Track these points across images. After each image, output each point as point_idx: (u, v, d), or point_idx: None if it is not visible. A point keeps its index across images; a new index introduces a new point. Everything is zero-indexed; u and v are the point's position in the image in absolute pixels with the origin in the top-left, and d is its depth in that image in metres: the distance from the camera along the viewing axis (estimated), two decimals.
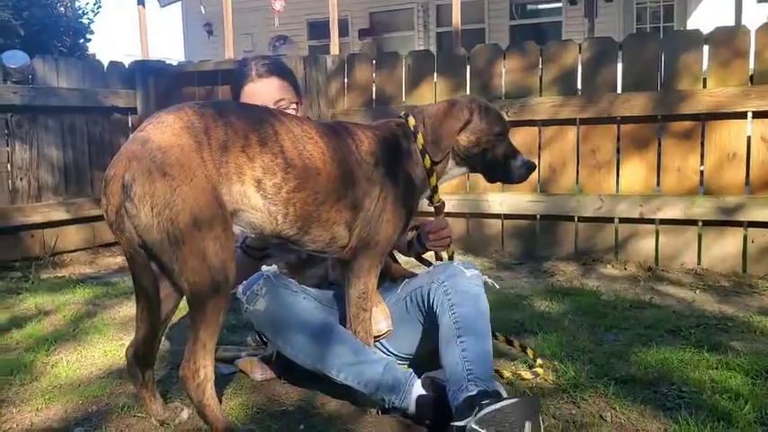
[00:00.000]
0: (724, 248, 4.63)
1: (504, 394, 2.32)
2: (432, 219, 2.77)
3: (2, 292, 4.58)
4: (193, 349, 2.10)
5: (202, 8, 15.15)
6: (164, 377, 2.90)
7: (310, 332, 2.54)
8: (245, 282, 2.62)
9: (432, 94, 5.54)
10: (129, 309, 4.08)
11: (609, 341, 3.28)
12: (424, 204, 2.68)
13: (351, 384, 2.48)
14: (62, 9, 10.75)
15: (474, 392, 2.18)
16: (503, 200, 5.26)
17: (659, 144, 4.86)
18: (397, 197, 2.45)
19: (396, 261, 2.98)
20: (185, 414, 2.44)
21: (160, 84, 6.51)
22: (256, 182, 2.16)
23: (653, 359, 2.94)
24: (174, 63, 8.02)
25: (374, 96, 5.82)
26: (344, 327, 2.56)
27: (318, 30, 16.53)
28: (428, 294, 2.55)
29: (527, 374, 2.76)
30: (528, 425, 2.05)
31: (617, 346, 3.18)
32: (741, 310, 3.75)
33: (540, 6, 16.27)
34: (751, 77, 4.54)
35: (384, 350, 2.74)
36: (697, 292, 4.18)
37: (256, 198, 2.18)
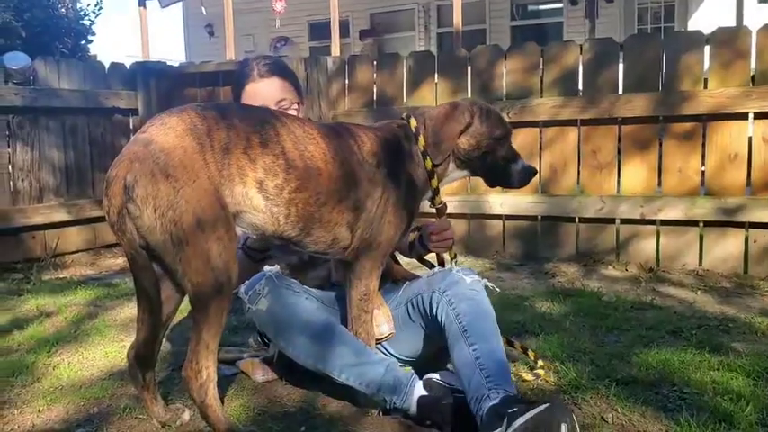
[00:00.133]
0: (725, 249, 4.63)
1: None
2: (434, 220, 2.76)
3: (3, 294, 4.58)
4: (196, 350, 2.11)
5: (203, 9, 15.14)
6: (165, 378, 2.90)
7: (312, 332, 2.54)
8: (247, 282, 2.62)
9: (432, 95, 5.54)
10: (130, 310, 4.08)
11: (610, 342, 3.28)
12: (425, 206, 2.68)
13: (352, 385, 2.48)
14: (63, 10, 10.76)
15: (497, 400, 2.16)
16: (504, 201, 5.26)
17: (660, 145, 4.85)
18: (398, 198, 2.45)
19: (397, 262, 2.98)
20: (187, 415, 2.44)
21: (161, 85, 6.52)
22: (258, 183, 2.16)
23: (654, 360, 2.94)
24: (176, 64, 8.03)
25: (375, 97, 5.83)
26: (346, 328, 2.56)
27: (319, 31, 16.54)
28: (430, 303, 2.55)
29: (528, 376, 2.76)
30: (564, 427, 2.02)
31: (618, 348, 3.17)
32: (742, 311, 3.75)
33: (541, 7, 16.26)
34: (752, 78, 4.53)
35: (386, 352, 2.74)
36: (698, 293, 4.18)
37: (258, 199, 2.18)
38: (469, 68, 5.46)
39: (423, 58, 5.71)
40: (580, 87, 5.12)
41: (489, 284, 2.66)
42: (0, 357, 3.26)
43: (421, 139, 2.52)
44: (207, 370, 2.12)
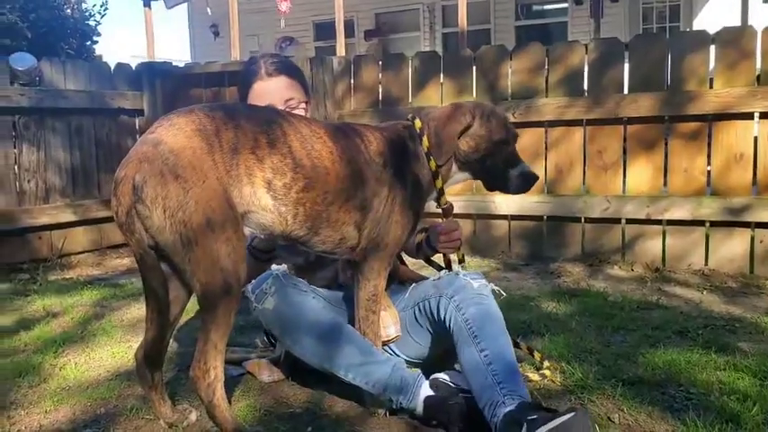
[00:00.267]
0: (731, 249, 4.62)
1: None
2: (440, 220, 2.76)
3: (10, 294, 4.59)
4: (204, 349, 2.11)
5: (209, 9, 15.16)
6: (172, 379, 2.90)
7: (318, 332, 2.54)
8: (254, 281, 2.62)
9: (438, 95, 5.54)
10: (136, 310, 4.09)
11: (616, 342, 3.27)
12: (432, 206, 2.68)
13: (359, 384, 2.48)
14: (69, 11, 10.77)
15: (513, 407, 2.16)
16: (509, 201, 5.25)
17: (666, 145, 4.85)
18: (405, 198, 2.45)
19: (403, 263, 2.98)
20: (194, 416, 2.45)
21: (167, 85, 6.53)
22: (266, 183, 2.17)
23: (660, 360, 2.94)
24: (181, 64, 8.04)
25: (380, 97, 5.83)
26: (353, 328, 2.57)
27: (324, 31, 16.56)
28: (438, 308, 2.55)
29: (535, 376, 2.76)
30: None
31: (624, 348, 3.17)
32: (749, 311, 3.74)
33: (546, 7, 16.25)
34: (758, 78, 4.52)
35: (393, 354, 2.74)
36: (704, 292, 4.17)
37: (266, 199, 2.19)
38: (475, 69, 5.45)
39: (428, 59, 5.71)
40: (585, 87, 5.11)
41: (496, 288, 2.66)
42: (7, 358, 3.27)
43: (425, 139, 2.52)
44: (215, 370, 2.12)
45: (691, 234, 4.75)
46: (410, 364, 2.74)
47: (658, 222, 4.84)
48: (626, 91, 4.95)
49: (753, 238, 4.56)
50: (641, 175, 4.91)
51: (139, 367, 2.34)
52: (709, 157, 4.69)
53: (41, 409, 2.66)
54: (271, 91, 2.83)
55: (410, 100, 5.68)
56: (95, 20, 11.20)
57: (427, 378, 2.49)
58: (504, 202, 5.27)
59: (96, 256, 5.94)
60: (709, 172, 4.72)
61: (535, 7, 16.23)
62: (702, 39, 4.69)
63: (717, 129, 4.63)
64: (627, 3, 14.41)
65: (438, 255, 2.85)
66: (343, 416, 2.53)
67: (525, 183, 2.57)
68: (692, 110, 4.64)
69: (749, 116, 4.54)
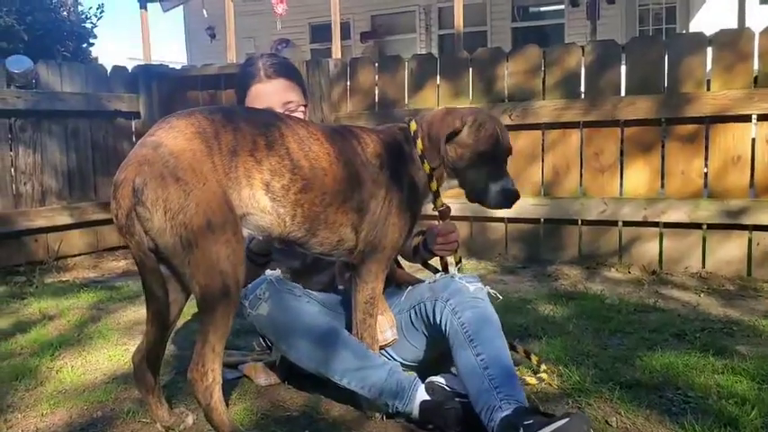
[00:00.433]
0: (729, 252, 4.62)
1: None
2: (437, 223, 2.75)
3: (6, 297, 4.58)
4: (202, 352, 2.10)
5: (205, 12, 15.15)
6: (168, 382, 2.89)
7: (314, 337, 2.53)
8: (248, 286, 2.62)
9: (435, 97, 5.54)
10: (133, 313, 4.08)
11: (613, 345, 3.27)
12: (430, 209, 2.66)
13: (354, 389, 2.48)
14: (65, 14, 10.75)
15: (510, 411, 2.15)
16: None
17: (663, 147, 4.85)
18: (401, 200, 2.45)
19: (400, 266, 2.97)
20: (190, 420, 2.44)
21: (163, 88, 6.53)
22: (265, 185, 2.17)
23: (658, 363, 2.94)
24: (177, 67, 8.03)
25: (377, 100, 5.83)
26: (349, 332, 2.56)
27: (320, 33, 16.55)
28: (433, 311, 2.54)
29: (532, 380, 2.75)
30: None
31: (622, 351, 3.17)
32: (746, 314, 3.74)
33: (543, 9, 16.24)
34: (755, 80, 4.53)
35: (389, 357, 2.74)
36: (702, 295, 4.17)
37: (265, 201, 2.19)
38: (471, 71, 5.45)
39: (424, 61, 5.71)
40: (582, 89, 5.12)
41: (492, 291, 2.65)
42: (3, 361, 3.26)
43: (419, 142, 2.51)
44: (213, 372, 2.11)
45: (688, 236, 4.75)
46: (406, 367, 2.73)
47: (655, 225, 4.84)
48: (623, 93, 4.95)
49: (750, 241, 4.56)
50: (638, 177, 4.91)
51: (137, 371, 2.33)
52: (706, 159, 4.70)
53: (38, 412, 2.65)
54: (270, 93, 2.80)
55: (406, 102, 5.68)
56: (92, 22, 11.17)
57: (423, 381, 2.48)
58: None
59: (93, 259, 5.94)
60: (706, 174, 4.72)
61: (531, 9, 16.24)
62: (699, 41, 4.70)
63: (714, 131, 4.63)
64: (623, 4, 14.43)
65: (436, 258, 2.84)
66: (339, 419, 2.52)
67: (504, 200, 2.49)
68: (690, 112, 4.64)
69: (746, 118, 4.54)
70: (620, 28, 14.16)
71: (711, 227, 4.67)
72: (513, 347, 2.80)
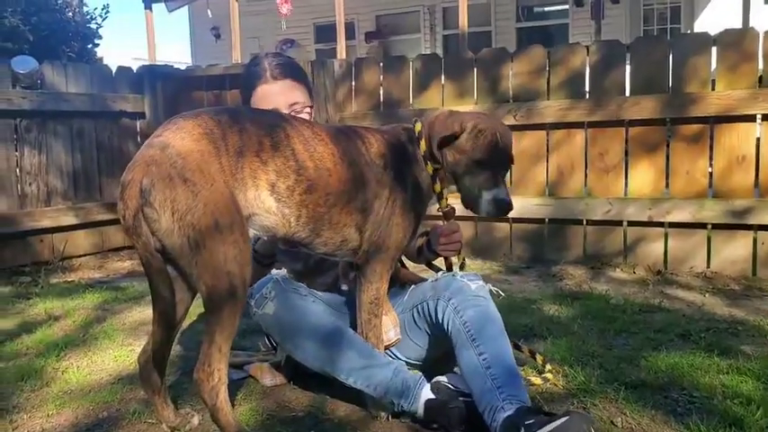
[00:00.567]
0: (734, 252, 4.61)
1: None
2: (441, 223, 2.74)
3: (12, 297, 4.59)
4: (208, 352, 2.11)
5: (209, 12, 15.17)
6: (174, 383, 2.90)
7: (319, 336, 2.54)
8: (254, 285, 2.62)
9: (439, 97, 5.54)
10: (138, 314, 4.09)
11: (618, 345, 3.27)
12: (435, 209, 2.66)
13: (360, 388, 2.48)
14: (70, 14, 10.76)
15: (512, 411, 2.15)
16: None
17: (668, 147, 4.85)
18: (405, 201, 2.45)
19: (404, 266, 2.97)
20: (196, 420, 2.44)
21: (168, 88, 6.54)
22: (270, 185, 2.18)
23: (663, 364, 2.93)
24: (182, 67, 8.04)
25: (382, 100, 5.83)
26: (354, 331, 2.56)
27: (325, 33, 16.55)
28: (436, 311, 2.54)
29: (537, 380, 2.75)
30: None
31: (627, 351, 3.17)
32: (751, 314, 3.74)
33: (547, 9, 16.22)
34: (759, 79, 4.52)
35: (393, 356, 2.74)
36: (707, 295, 4.17)
37: (270, 201, 2.19)
38: (476, 71, 5.45)
39: (429, 61, 5.71)
40: (587, 90, 5.11)
41: (494, 289, 2.65)
42: (9, 362, 3.27)
43: (422, 142, 2.50)
44: (219, 372, 2.12)
45: (693, 236, 4.74)
46: (410, 366, 2.74)
47: (660, 225, 4.84)
48: (628, 93, 4.95)
49: (755, 241, 4.56)
50: (643, 177, 4.90)
51: (143, 371, 2.33)
52: (711, 159, 4.69)
53: (44, 412, 2.66)
54: (276, 94, 2.80)
55: (411, 102, 5.68)
56: (97, 23, 11.19)
57: (429, 380, 2.49)
58: None
59: (98, 259, 5.95)
60: (711, 174, 4.71)
61: (536, 9, 16.21)
62: (704, 41, 4.69)
63: (719, 131, 4.63)
64: (628, 4, 14.40)
65: (440, 258, 2.84)
66: (345, 420, 2.53)
67: (495, 209, 2.42)
68: (694, 112, 4.64)
69: (751, 118, 4.54)
70: (624, 28, 14.14)
71: (716, 227, 4.66)
72: (517, 347, 2.80)
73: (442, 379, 2.52)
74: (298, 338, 2.57)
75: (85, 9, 11.67)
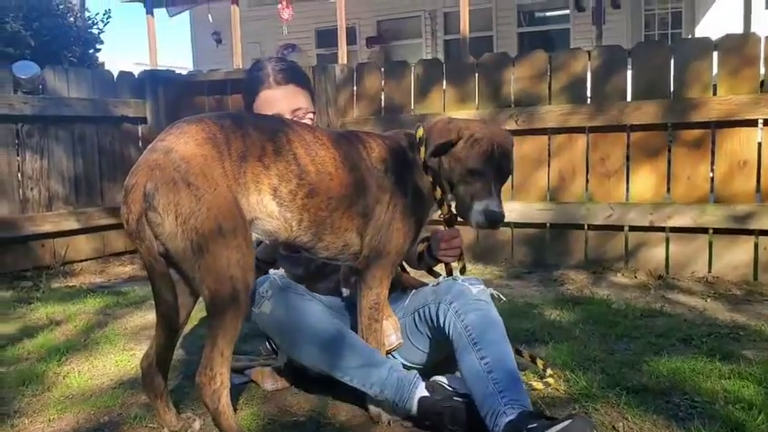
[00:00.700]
0: (735, 256, 4.61)
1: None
2: (442, 228, 2.74)
3: (13, 302, 4.59)
4: (211, 356, 2.11)
5: (210, 17, 15.20)
6: (175, 387, 2.89)
7: (316, 335, 2.55)
8: None
9: (441, 102, 5.55)
10: (139, 318, 4.09)
11: (620, 350, 3.27)
12: (437, 215, 2.66)
13: (357, 386, 2.49)
14: (72, 19, 10.76)
15: (514, 416, 2.15)
16: (512, 208, 5.23)
17: (669, 152, 4.85)
18: (406, 206, 2.45)
19: (405, 271, 2.97)
20: (197, 425, 2.44)
21: (170, 93, 6.54)
22: (273, 190, 2.19)
23: (665, 368, 2.93)
24: (184, 72, 8.05)
25: (383, 105, 5.83)
26: (351, 331, 2.57)
27: (326, 38, 16.58)
28: (437, 314, 2.54)
29: (539, 385, 2.75)
30: None
31: (628, 356, 3.16)
32: (753, 319, 3.74)
33: (548, 14, 16.24)
34: (761, 84, 4.52)
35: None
36: (708, 300, 4.17)
37: (272, 206, 2.20)
38: (477, 76, 5.45)
39: (431, 66, 5.72)
40: (588, 95, 5.12)
41: (495, 293, 2.65)
42: (11, 366, 3.27)
43: (422, 149, 2.49)
44: (221, 376, 2.12)
45: (694, 241, 4.74)
46: (412, 368, 2.73)
47: (662, 230, 4.84)
48: (629, 98, 4.95)
49: (756, 246, 4.56)
50: (644, 182, 4.90)
51: (145, 376, 2.34)
52: (712, 164, 4.69)
53: (45, 417, 2.66)
54: (279, 100, 2.79)
55: (413, 107, 5.68)
56: (98, 28, 11.19)
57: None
58: (507, 209, 5.21)
59: (99, 264, 5.95)
60: (712, 179, 4.71)
61: (537, 14, 16.24)
62: (705, 46, 4.70)
63: (720, 136, 4.63)
64: (629, 9, 14.43)
65: (440, 264, 2.84)
66: (346, 424, 2.53)
67: (485, 220, 2.38)
68: (696, 117, 4.64)
69: (753, 123, 4.54)
70: (625, 33, 14.15)
71: (718, 231, 4.66)
72: (518, 352, 2.79)
73: (440, 378, 2.53)
74: (295, 337, 2.58)
75: (87, 14, 11.65)
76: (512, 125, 5.13)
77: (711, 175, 4.72)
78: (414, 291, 2.78)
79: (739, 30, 10.83)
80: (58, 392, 2.92)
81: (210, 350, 2.11)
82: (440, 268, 2.85)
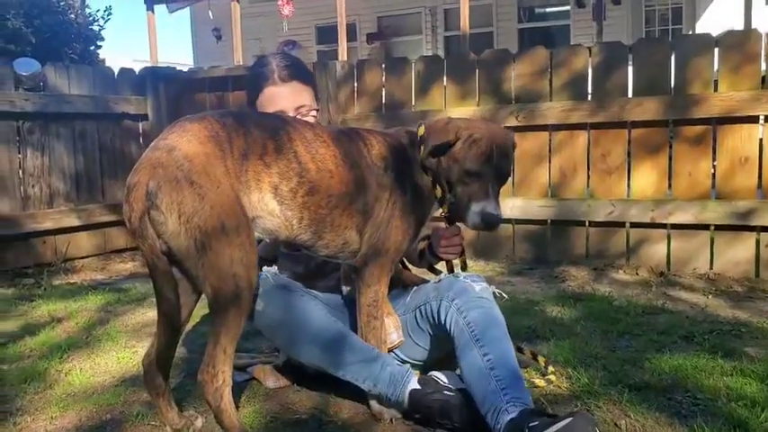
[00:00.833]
0: (736, 253, 4.61)
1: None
2: (443, 225, 2.74)
3: (15, 299, 4.60)
4: (213, 353, 2.11)
5: (210, 13, 15.19)
6: (177, 385, 2.89)
7: (309, 331, 2.56)
8: None
9: (442, 99, 5.54)
10: (140, 315, 4.09)
11: (622, 347, 3.27)
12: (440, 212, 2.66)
13: (351, 381, 2.50)
14: (73, 16, 10.75)
15: (515, 414, 2.15)
16: (514, 204, 5.24)
17: (670, 148, 4.85)
18: (405, 203, 2.45)
19: (406, 268, 2.97)
20: (200, 422, 2.44)
21: (170, 90, 6.54)
22: (273, 188, 2.19)
23: (667, 366, 2.93)
24: (184, 69, 8.04)
25: (384, 102, 5.83)
26: (355, 334, 2.57)
27: (327, 34, 16.57)
28: (438, 312, 2.54)
29: (541, 382, 2.74)
30: None
31: (630, 353, 3.16)
32: (755, 316, 3.74)
33: (548, 10, 16.22)
34: (762, 80, 4.52)
35: (396, 358, 2.74)
36: (710, 297, 4.17)
37: (273, 204, 2.21)
38: (478, 72, 5.45)
39: (431, 62, 5.71)
40: (589, 91, 5.11)
41: (497, 291, 2.65)
42: (12, 364, 3.27)
43: (422, 148, 2.47)
44: (223, 374, 2.12)
45: (695, 238, 4.74)
46: (413, 366, 2.74)
47: (663, 226, 4.84)
48: (630, 94, 4.94)
49: (758, 242, 4.56)
50: (646, 178, 4.90)
51: (147, 374, 2.33)
52: (713, 160, 4.69)
53: (47, 415, 2.66)
54: (283, 96, 2.77)
55: (413, 104, 5.68)
56: (99, 25, 11.17)
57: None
58: (508, 206, 5.25)
59: (100, 261, 5.95)
60: (713, 175, 4.71)
61: (537, 10, 16.22)
62: (706, 42, 4.70)
63: (721, 132, 4.63)
64: (629, 5, 14.41)
65: (441, 263, 2.83)
66: (348, 422, 2.52)
67: (481, 222, 2.37)
68: (697, 113, 4.64)
69: (754, 119, 4.54)
70: (626, 29, 14.14)
71: (719, 228, 4.66)
72: (519, 350, 2.79)
73: (436, 374, 2.54)
74: (288, 334, 2.60)
75: (88, 11, 11.64)
76: (512, 122, 5.13)
77: (713, 171, 4.71)
78: (415, 288, 2.77)
79: (740, 25, 10.83)
80: (60, 390, 2.92)
81: (213, 348, 2.11)
82: (441, 266, 2.85)
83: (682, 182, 4.78)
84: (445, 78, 5.58)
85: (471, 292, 2.51)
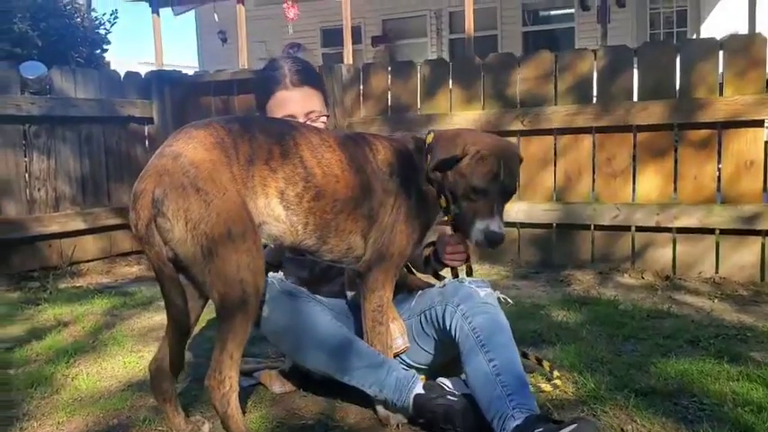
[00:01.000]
0: (742, 257, 4.60)
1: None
2: (449, 231, 2.73)
3: (21, 303, 4.60)
4: (220, 359, 2.12)
5: (216, 16, 15.21)
6: (184, 390, 2.89)
7: (315, 337, 2.56)
8: None
9: (447, 103, 5.55)
10: (147, 320, 4.10)
11: (627, 352, 3.26)
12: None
13: (357, 386, 2.51)
14: (79, 19, 10.75)
15: (521, 421, 2.14)
16: (519, 208, 5.24)
17: (676, 152, 4.84)
18: (410, 209, 2.45)
19: (411, 272, 2.97)
20: (206, 428, 2.44)
21: (176, 93, 6.54)
22: (280, 193, 2.20)
23: (673, 370, 2.93)
24: (190, 72, 8.05)
25: (390, 105, 5.83)
26: (361, 339, 2.57)
27: (332, 37, 16.57)
28: (443, 317, 2.54)
29: (547, 387, 2.74)
30: None
31: (636, 357, 3.16)
32: (760, 320, 3.73)
33: (553, 13, 16.22)
34: (767, 84, 4.51)
35: (401, 362, 2.74)
36: (715, 301, 4.16)
37: (279, 209, 2.21)
38: (483, 76, 5.45)
39: (437, 66, 5.71)
40: (594, 94, 5.11)
41: (502, 297, 2.64)
42: (19, 368, 3.28)
43: (429, 157, 2.47)
44: (230, 380, 2.13)
45: (701, 242, 4.74)
46: (418, 370, 2.74)
47: (668, 230, 4.83)
48: (635, 98, 4.94)
49: (764, 246, 4.55)
50: (651, 182, 4.90)
51: (154, 379, 2.34)
52: (719, 164, 4.69)
53: (54, 420, 2.67)
54: (295, 101, 2.76)
55: (419, 107, 5.68)
56: (105, 28, 11.18)
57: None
58: (514, 209, 5.24)
59: (106, 264, 5.96)
60: (719, 179, 4.71)
61: (542, 13, 16.22)
62: (711, 46, 4.69)
63: (727, 136, 4.63)
64: (634, 8, 14.40)
65: (446, 269, 2.83)
66: (355, 427, 2.53)
67: (485, 240, 2.37)
68: (702, 117, 4.63)
69: (759, 123, 4.54)
70: (630, 32, 14.13)
71: (724, 232, 4.65)
72: (524, 355, 2.79)
73: (442, 380, 2.54)
74: (293, 339, 2.59)
75: (94, 14, 11.64)
76: (518, 125, 5.14)
77: (718, 175, 4.71)
78: (420, 292, 2.77)
79: (744, 28, 10.82)
80: (66, 395, 2.93)
81: (220, 353, 2.12)
82: (446, 272, 2.84)
83: (687, 186, 4.78)
84: (451, 82, 5.58)
85: (476, 298, 2.51)
